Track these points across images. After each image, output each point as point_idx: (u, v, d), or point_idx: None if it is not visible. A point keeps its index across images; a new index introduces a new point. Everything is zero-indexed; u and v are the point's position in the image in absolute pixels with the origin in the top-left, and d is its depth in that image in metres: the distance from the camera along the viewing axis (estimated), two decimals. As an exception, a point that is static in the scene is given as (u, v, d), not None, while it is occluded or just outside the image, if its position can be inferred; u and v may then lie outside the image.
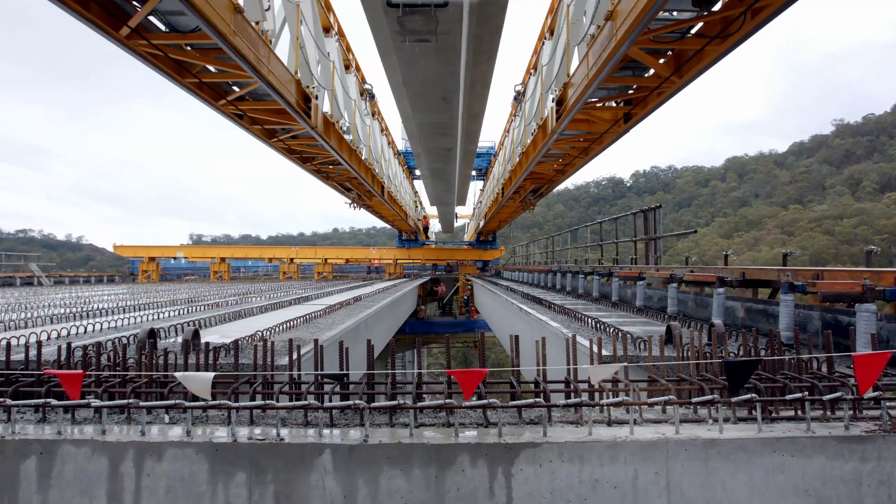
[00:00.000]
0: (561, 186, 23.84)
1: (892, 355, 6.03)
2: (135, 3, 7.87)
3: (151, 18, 8.64)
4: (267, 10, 9.48)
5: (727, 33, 7.60)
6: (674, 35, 8.69)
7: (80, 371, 4.29)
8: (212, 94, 10.97)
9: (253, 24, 8.85)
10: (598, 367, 4.18)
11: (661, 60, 9.50)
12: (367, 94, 18.92)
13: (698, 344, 5.92)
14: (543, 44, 14.14)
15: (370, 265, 51.68)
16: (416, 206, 43.96)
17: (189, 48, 9.60)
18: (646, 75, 10.81)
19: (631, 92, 11.46)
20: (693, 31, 8.71)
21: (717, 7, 7.50)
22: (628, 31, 7.36)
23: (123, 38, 7.94)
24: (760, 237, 70.86)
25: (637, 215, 19.68)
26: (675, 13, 8.32)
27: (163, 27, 8.97)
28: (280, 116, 12.56)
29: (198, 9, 6.90)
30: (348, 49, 15.78)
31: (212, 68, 10.28)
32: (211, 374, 4.11)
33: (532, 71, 16.38)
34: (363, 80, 18.32)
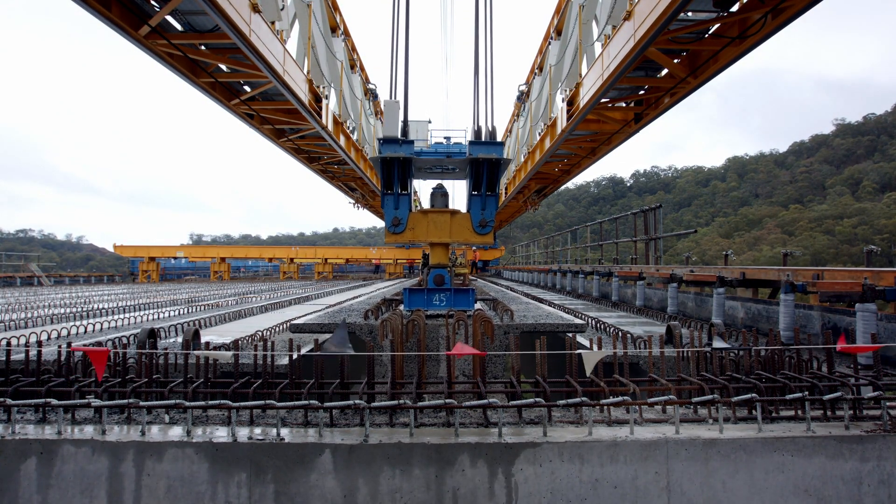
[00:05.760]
0: (561, 186, 23.83)
1: (893, 356, 6.03)
2: (153, 3, 7.89)
3: (169, 18, 8.66)
4: (282, 9, 9.48)
5: (746, 34, 7.56)
6: (691, 36, 8.67)
7: (106, 349, 4.29)
8: (225, 93, 10.97)
9: (269, 23, 8.84)
10: (594, 353, 4.18)
11: (676, 61, 9.47)
12: (371, 94, 18.91)
13: (698, 344, 5.92)
14: (549, 44, 14.10)
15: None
16: (417, 207, 43.95)
17: (204, 48, 9.60)
18: (659, 76, 10.79)
19: (642, 93, 11.44)
20: (710, 31, 8.69)
21: (735, 8, 7.45)
22: (649, 32, 7.34)
23: (142, 37, 7.98)
24: (760, 237, 70.75)
25: (637, 215, 19.69)
26: (690, 14, 8.29)
27: (180, 27, 8.99)
28: (291, 116, 12.56)
29: (219, 8, 6.90)
30: (353, 49, 15.77)
31: (224, 68, 10.29)
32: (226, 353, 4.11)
33: (537, 71, 16.36)
34: (367, 80, 18.32)
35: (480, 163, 7.87)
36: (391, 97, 9.17)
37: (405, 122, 8.51)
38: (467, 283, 20.32)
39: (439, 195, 8.87)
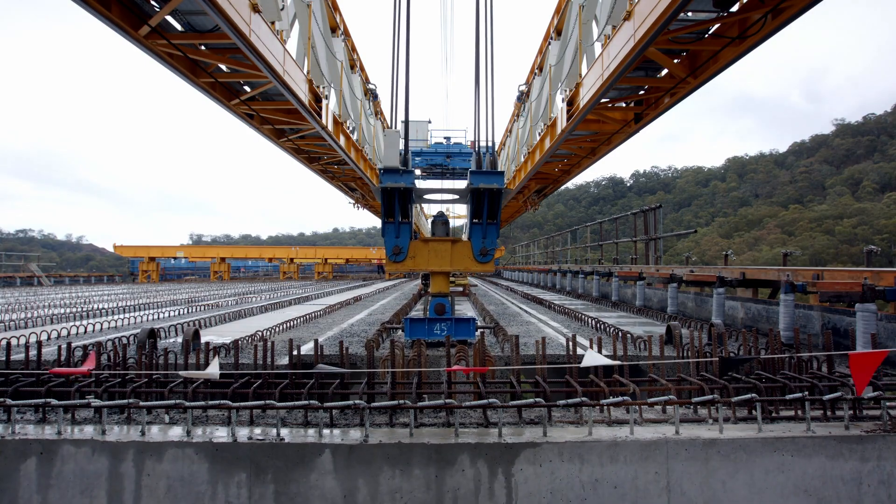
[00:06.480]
0: (561, 186, 23.85)
1: (892, 356, 6.03)
2: (153, 3, 7.89)
3: (169, 19, 8.66)
4: (282, 9, 9.45)
5: (746, 34, 7.55)
6: (691, 36, 8.65)
7: (85, 369, 4.29)
8: (225, 93, 10.95)
9: (269, 23, 8.83)
10: (597, 355, 4.18)
11: (676, 61, 9.45)
12: (371, 94, 18.89)
13: (698, 344, 5.92)
14: (549, 44, 14.09)
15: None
16: (419, 211, 43.95)
17: (204, 48, 9.59)
18: (659, 76, 10.78)
19: (642, 93, 11.41)
20: (710, 32, 8.67)
21: (734, 8, 7.44)
22: (649, 32, 7.32)
23: (142, 37, 7.97)
24: (760, 237, 70.68)
25: (637, 215, 19.69)
26: (690, 14, 8.28)
27: (180, 27, 8.99)
28: (291, 116, 12.53)
29: (219, 8, 6.88)
30: (353, 49, 15.75)
31: (224, 68, 10.26)
32: (215, 368, 4.11)
33: (537, 71, 16.35)
34: (367, 80, 18.31)
35: (481, 192, 7.91)
36: (392, 99, 9.16)
37: (405, 151, 8.55)
38: (468, 293, 20.36)
39: (440, 223, 8.90)
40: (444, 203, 10.88)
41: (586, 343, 7.26)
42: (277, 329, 10.24)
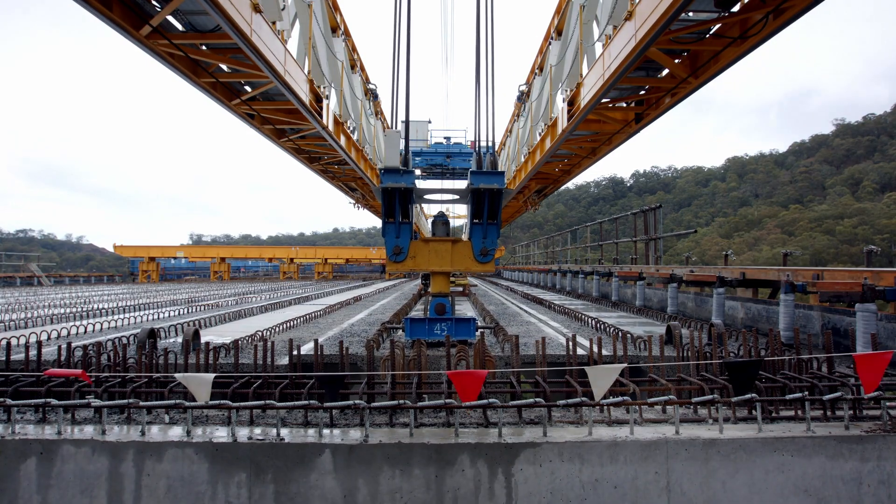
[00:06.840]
0: (562, 186, 23.88)
1: (892, 355, 6.04)
2: (154, 2, 7.90)
3: (170, 18, 8.66)
4: (283, 9, 9.46)
5: (747, 35, 7.57)
6: (693, 36, 8.66)
7: (81, 370, 4.28)
8: (226, 93, 10.95)
9: (270, 23, 8.84)
10: (599, 369, 4.18)
11: (677, 61, 9.46)
12: (371, 94, 18.90)
13: (698, 344, 5.92)
14: (550, 44, 14.10)
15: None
16: (420, 212, 43.97)
17: (205, 48, 9.60)
18: (660, 76, 10.79)
19: (643, 93, 11.41)
20: (711, 32, 8.68)
21: (736, 8, 7.45)
22: (650, 32, 7.33)
23: (144, 37, 7.98)
24: (760, 237, 70.61)
25: (637, 215, 19.70)
26: (692, 14, 8.29)
27: (181, 27, 9.00)
28: (291, 116, 12.53)
29: (220, 8, 6.88)
30: (354, 49, 15.76)
31: (226, 68, 10.27)
32: (211, 376, 4.10)
33: (538, 71, 16.36)
34: (367, 80, 18.32)
35: (482, 192, 7.92)
36: (392, 99, 9.17)
37: (406, 151, 8.56)
38: (468, 293, 20.38)
39: (440, 224, 8.90)
40: (444, 203, 10.90)
41: (586, 343, 7.27)
42: (277, 329, 10.24)
